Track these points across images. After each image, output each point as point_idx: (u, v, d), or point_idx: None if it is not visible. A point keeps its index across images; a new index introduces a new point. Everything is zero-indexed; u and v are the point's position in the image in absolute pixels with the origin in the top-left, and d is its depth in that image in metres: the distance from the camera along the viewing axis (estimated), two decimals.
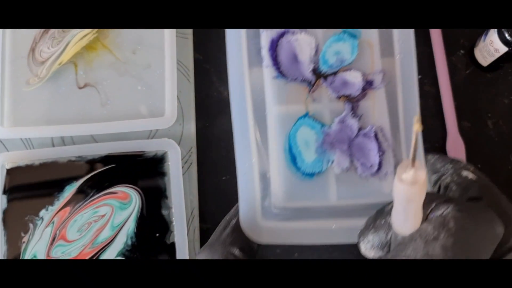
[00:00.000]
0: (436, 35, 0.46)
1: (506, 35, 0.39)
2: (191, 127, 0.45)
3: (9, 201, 0.42)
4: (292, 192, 0.38)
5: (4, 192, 0.42)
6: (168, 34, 0.44)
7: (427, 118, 0.45)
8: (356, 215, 0.38)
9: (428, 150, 0.44)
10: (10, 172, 0.42)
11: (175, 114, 0.42)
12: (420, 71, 0.46)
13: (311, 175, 0.38)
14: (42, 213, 0.41)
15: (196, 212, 0.43)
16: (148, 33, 0.44)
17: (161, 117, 0.42)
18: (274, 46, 0.39)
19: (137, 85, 0.44)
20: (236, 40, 0.39)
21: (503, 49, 0.41)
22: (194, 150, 0.44)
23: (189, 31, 0.46)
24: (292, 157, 0.38)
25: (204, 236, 0.43)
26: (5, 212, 0.41)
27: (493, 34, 0.41)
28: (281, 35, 0.39)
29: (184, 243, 0.41)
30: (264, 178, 0.38)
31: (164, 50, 0.44)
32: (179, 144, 0.43)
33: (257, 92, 0.39)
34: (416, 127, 0.23)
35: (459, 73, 0.46)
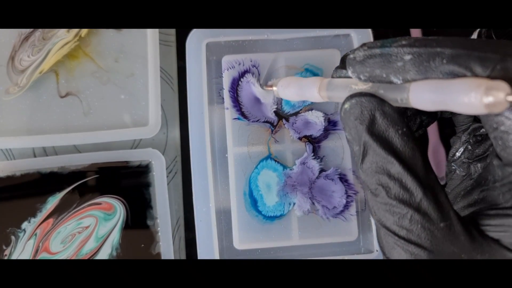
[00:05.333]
0: None
1: None
2: (175, 136, 0.45)
3: None
4: (252, 235, 0.38)
5: None
6: (151, 42, 0.43)
7: None
8: (320, 254, 0.38)
9: None
10: None
11: (159, 123, 0.42)
12: None
13: (272, 218, 0.38)
14: (24, 225, 0.41)
15: (181, 221, 0.43)
16: (131, 41, 0.44)
17: (145, 126, 0.42)
18: (235, 86, 0.39)
19: (120, 94, 0.43)
20: (197, 79, 0.39)
21: None
22: (179, 159, 0.44)
23: (172, 39, 0.46)
24: (253, 201, 0.38)
25: (190, 246, 0.43)
26: None
27: None
28: (243, 74, 0.39)
29: (169, 253, 0.41)
30: (223, 221, 0.38)
31: (147, 58, 0.43)
32: (163, 153, 0.43)
33: (217, 133, 0.39)
34: None
35: None
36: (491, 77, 0.19)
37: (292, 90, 0.31)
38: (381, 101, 0.22)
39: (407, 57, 0.21)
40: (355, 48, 0.24)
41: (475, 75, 0.19)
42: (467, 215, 0.24)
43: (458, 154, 0.29)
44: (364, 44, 0.23)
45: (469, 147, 0.28)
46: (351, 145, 0.24)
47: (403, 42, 0.21)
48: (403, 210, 0.22)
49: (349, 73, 0.24)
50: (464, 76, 0.19)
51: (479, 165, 0.27)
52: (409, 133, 0.22)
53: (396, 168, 0.22)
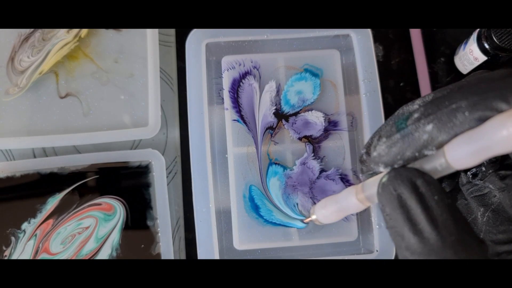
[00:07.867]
0: (417, 42, 0.47)
1: (485, 44, 0.40)
2: (175, 136, 0.45)
3: None
4: (252, 236, 0.38)
5: None
6: (151, 42, 0.43)
7: None
8: (320, 254, 0.38)
9: None
10: None
11: (159, 123, 0.42)
12: (402, 78, 0.47)
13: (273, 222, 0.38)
14: (24, 226, 0.41)
15: (181, 221, 0.43)
16: (130, 42, 0.44)
17: (144, 127, 0.42)
18: (235, 87, 0.39)
19: (120, 95, 0.43)
20: (197, 80, 0.39)
21: (482, 58, 0.41)
22: (179, 159, 0.44)
23: (172, 39, 0.46)
24: (254, 206, 0.38)
25: (189, 246, 0.43)
26: None
27: (472, 43, 0.42)
28: (243, 76, 0.39)
29: (169, 253, 0.41)
30: (223, 221, 0.38)
31: (147, 58, 0.43)
32: (163, 154, 0.42)
33: (217, 134, 0.39)
34: None
35: (440, 80, 0.47)
36: None
37: (330, 208, 0.29)
38: (420, 171, 0.21)
39: (429, 127, 0.20)
40: (369, 144, 0.22)
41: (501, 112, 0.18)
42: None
43: (461, 184, 0.29)
44: (379, 137, 0.22)
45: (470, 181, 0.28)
46: (392, 227, 0.21)
47: (416, 116, 0.20)
48: None
49: (381, 169, 0.22)
50: (491, 117, 0.19)
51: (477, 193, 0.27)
52: (455, 205, 0.21)
53: (449, 250, 0.19)
